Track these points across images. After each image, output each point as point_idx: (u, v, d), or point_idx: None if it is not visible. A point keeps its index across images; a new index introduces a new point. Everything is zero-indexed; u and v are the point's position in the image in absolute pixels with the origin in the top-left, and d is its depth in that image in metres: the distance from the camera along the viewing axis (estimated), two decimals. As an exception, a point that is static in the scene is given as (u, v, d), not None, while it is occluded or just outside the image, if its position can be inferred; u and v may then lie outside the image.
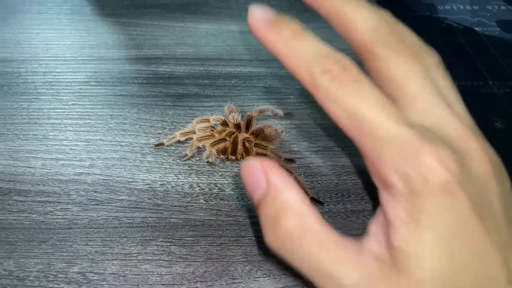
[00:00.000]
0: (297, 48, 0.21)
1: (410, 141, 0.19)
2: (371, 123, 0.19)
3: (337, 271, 0.20)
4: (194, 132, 0.33)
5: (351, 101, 0.20)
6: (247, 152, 0.33)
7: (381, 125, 0.19)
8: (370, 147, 0.20)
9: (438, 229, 0.19)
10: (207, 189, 0.31)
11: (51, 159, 0.33)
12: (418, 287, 0.19)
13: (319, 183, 0.32)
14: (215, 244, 0.28)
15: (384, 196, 0.20)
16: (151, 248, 0.28)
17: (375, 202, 0.31)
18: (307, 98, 0.39)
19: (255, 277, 0.27)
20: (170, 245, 0.28)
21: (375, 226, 0.21)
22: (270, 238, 0.21)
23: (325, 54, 0.21)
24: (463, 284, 0.19)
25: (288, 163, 0.32)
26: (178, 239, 0.28)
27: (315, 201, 0.31)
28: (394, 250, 0.19)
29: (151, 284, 0.26)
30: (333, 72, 0.20)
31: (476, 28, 0.48)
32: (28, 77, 0.39)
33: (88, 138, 0.34)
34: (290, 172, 0.31)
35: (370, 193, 0.32)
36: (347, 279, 0.19)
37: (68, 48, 0.43)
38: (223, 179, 0.32)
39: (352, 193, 0.32)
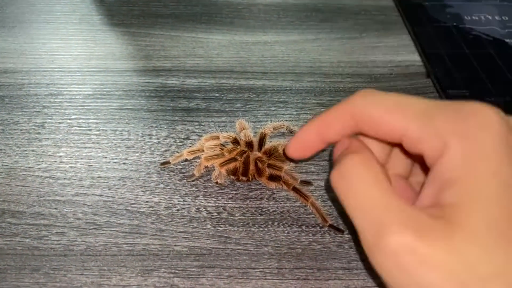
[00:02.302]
0: None
1: (461, 105, 0.21)
2: None
3: (380, 210, 0.20)
4: (202, 151, 0.30)
5: None
6: (259, 173, 0.30)
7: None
8: (419, 123, 0.21)
9: (497, 176, 0.19)
10: (215, 213, 0.29)
11: (49, 177, 0.30)
12: (473, 238, 0.18)
13: (338, 209, 0.29)
14: (222, 277, 0.26)
15: (438, 162, 0.20)
16: (152, 280, 0.25)
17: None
18: (325, 114, 0.36)
19: (266, 316, 0.24)
20: (173, 277, 0.25)
21: (423, 194, 0.21)
22: (333, 172, 0.22)
23: None
24: None
25: (304, 185, 0.30)
26: (182, 270, 0.26)
27: (334, 228, 0.28)
28: (446, 208, 0.19)
29: (151, 322, 0.24)
30: None
31: (507, 40, 0.44)
32: (31, 89, 0.37)
33: (90, 155, 0.32)
34: (306, 196, 0.28)
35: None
36: (388, 218, 0.19)
37: (74, 59, 0.41)
38: (233, 202, 0.30)
39: (375, 220, 0.29)
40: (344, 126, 0.24)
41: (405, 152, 0.25)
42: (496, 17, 0.48)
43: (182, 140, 0.34)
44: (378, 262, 0.20)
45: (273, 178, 0.30)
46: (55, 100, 0.37)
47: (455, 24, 0.46)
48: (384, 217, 0.19)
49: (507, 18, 0.48)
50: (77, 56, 0.41)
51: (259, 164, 0.30)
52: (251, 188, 0.30)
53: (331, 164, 0.32)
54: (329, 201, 0.30)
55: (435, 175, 0.21)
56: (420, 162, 0.25)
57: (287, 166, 0.29)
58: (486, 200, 0.19)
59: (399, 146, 0.24)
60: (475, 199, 0.19)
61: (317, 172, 0.32)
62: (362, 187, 0.21)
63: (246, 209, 0.29)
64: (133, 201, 0.29)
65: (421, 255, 0.18)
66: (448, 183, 0.20)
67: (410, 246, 0.18)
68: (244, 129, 0.31)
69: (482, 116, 0.20)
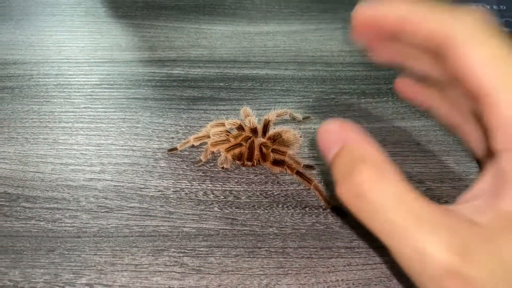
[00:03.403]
0: None
1: None
2: None
3: (415, 232, 0.17)
4: (208, 137, 0.31)
5: None
6: (264, 157, 0.31)
7: None
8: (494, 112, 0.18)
9: None
10: (221, 197, 0.30)
11: (61, 164, 0.32)
12: None
13: (340, 191, 0.30)
14: (230, 256, 0.27)
15: (504, 157, 0.18)
16: (163, 259, 0.26)
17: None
18: (327, 102, 0.37)
19: (272, 292, 0.25)
20: (182, 256, 0.27)
21: (472, 194, 0.19)
22: (342, 190, 0.19)
23: None
24: None
25: (307, 169, 0.31)
26: (191, 250, 0.27)
27: (337, 210, 0.29)
28: (506, 215, 0.17)
29: (162, 298, 0.25)
30: None
31: (504, 29, 0.45)
32: (40, 79, 0.38)
33: (100, 143, 0.33)
34: (309, 179, 0.29)
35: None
36: (427, 241, 0.17)
37: (81, 50, 0.42)
38: (238, 186, 0.31)
39: (375, 202, 0.30)
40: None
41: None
42: (494, 7, 0.48)
43: (188, 127, 0.35)
44: (426, 286, 0.18)
45: (277, 162, 0.31)
46: (64, 90, 0.38)
47: (453, 13, 0.47)
48: (422, 240, 0.17)
49: (505, 8, 0.48)
50: (84, 47, 0.42)
51: (264, 149, 0.31)
52: (256, 173, 0.32)
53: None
54: (331, 184, 0.31)
55: (499, 165, 0.18)
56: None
57: (290, 151, 0.30)
58: None
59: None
60: None
61: (320, 157, 0.33)
62: (385, 209, 0.18)
63: (252, 193, 0.30)
64: (142, 186, 0.30)
65: (466, 278, 0.17)
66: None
67: (454, 270, 0.17)
68: (248, 116, 0.32)
69: None
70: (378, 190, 0.18)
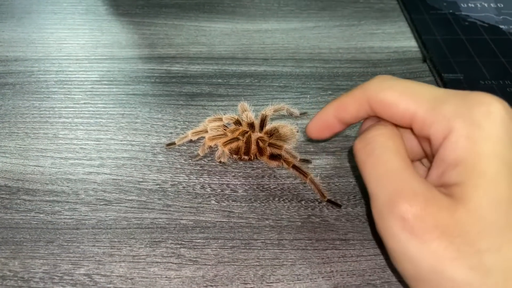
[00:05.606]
0: None
1: (468, 94, 0.22)
2: None
3: (399, 184, 0.21)
4: (206, 131, 0.31)
5: None
6: (260, 152, 0.31)
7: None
8: (427, 107, 0.22)
9: (500, 159, 0.20)
10: (219, 190, 0.30)
11: (61, 158, 0.32)
12: (475, 213, 0.20)
13: (336, 185, 0.31)
14: (226, 247, 0.27)
15: (443, 145, 0.22)
16: (160, 250, 0.27)
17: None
18: (324, 98, 0.38)
19: (268, 282, 0.25)
20: (179, 248, 0.27)
21: (428, 176, 0.23)
22: (357, 145, 0.24)
23: None
24: None
25: (303, 163, 0.31)
26: (188, 241, 0.27)
27: (332, 203, 0.29)
28: (451, 187, 0.21)
29: (159, 288, 0.25)
30: None
31: (501, 26, 0.46)
32: (41, 76, 0.39)
33: (99, 137, 0.34)
34: (305, 173, 0.29)
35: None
36: (406, 193, 0.21)
37: (82, 47, 0.42)
38: (235, 179, 0.31)
39: (371, 195, 0.30)
40: (359, 110, 0.25)
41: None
42: (492, 4, 0.49)
43: (187, 123, 0.35)
44: (387, 226, 0.21)
45: (273, 156, 0.31)
46: (64, 86, 0.38)
47: (451, 11, 0.47)
48: (398, 185, 0.21)
49: (502, 5, 0.49)
50: (84, 44, 0.43)
51: (261, 144, 0.31)
52: (253, 167, 0.32)
53: (330, 149, 0.34)
54: (327, 178, 0.31)
55: (440, 157, 0.22)
56: (428, 153, 0.26)
57: (287, 145, 0.31)
58: (490, 179, 0.20)
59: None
60: (478, 177, 0.20)
61: (316, 152, 0.33)
62: (383, 155, 0.22)
63: (248, 186, 0.31)
64: (141, 179, 0.31)
65: (427, 223, 0.20)
66: (452, 164, 0.21)
67: (418, 214, 0.20)
68: (245, 111, 0.33)
69: (487, 104, 0.21)
70: (381, 140, 0.23)
